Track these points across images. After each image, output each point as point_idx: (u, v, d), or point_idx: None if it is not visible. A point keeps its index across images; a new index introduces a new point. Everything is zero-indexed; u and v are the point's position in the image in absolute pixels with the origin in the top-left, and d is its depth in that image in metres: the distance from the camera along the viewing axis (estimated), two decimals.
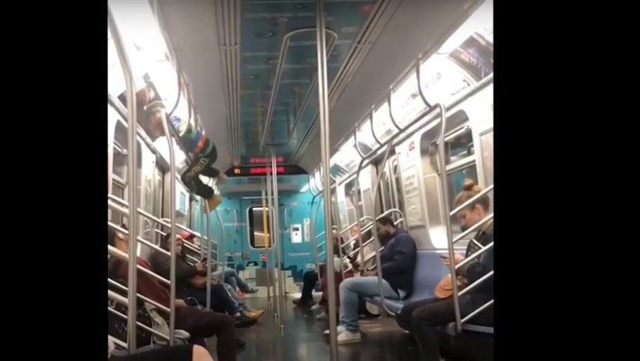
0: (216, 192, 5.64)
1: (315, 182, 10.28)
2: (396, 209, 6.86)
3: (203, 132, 4.88)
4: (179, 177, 5.29)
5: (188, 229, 7.62)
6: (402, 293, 5.65)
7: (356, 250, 7.08)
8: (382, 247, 5.99)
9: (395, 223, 6.53)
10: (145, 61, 3.85)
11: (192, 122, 4.60)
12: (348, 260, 7.17)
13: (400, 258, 5.77)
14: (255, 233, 12.80)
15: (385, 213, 6.83)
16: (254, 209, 12.71)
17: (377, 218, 6.02)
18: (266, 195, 8.64)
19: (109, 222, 3.69)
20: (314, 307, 8.89)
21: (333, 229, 8.11)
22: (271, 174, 7.41)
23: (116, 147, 4.13)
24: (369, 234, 6.66)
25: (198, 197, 6.37)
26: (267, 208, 9.32)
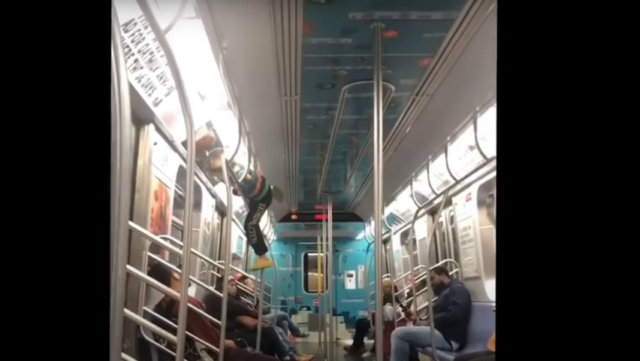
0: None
1: (370, 229, 10.28)
2: (452, 259, 6.75)
3: (260, 175, 4.99)
4: (236, 220, 5.38)
5: (241, 271, 7.71)
6: (455, 345, 5.52)
7: (410, 298, 6.98)
8: (436, 297, 5.89)
9: (450, 274, 6.42)
10: (208, 109, 3.99)
11: (252, 168, 4.71)
12: (401, 309, 7.06)
13: (454, 309, 5.65)
14: (309, 278, 12.84)
15: (440, 263, 6.73)
16: (309, 254, 12.84)
17: (432, 268, 5.94)
18: (321, 241, 8.70)
19: (166, 262, 3.80)
20: (365, 354, 8.75)
21: (387, 277, 8.05)
22: (327, 220, 7.48)
23: (178, 190, 4.26)
24: (423, 283, 6.57)
25: None
26: (322, 254, 9.36)
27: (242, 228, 8.42)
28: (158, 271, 3.68)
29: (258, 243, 5.17)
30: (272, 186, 5.06)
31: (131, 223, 2.95)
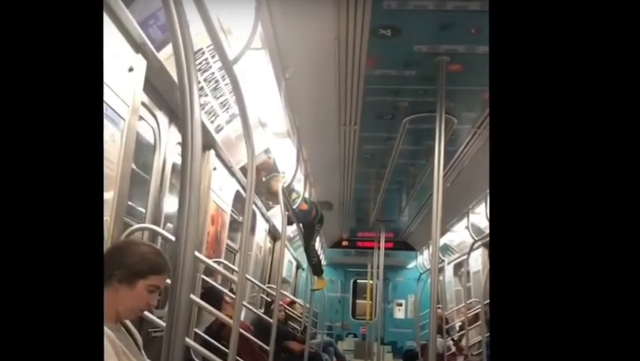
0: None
1: (422, 259, 10.18)
2: None
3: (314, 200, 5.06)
4: (287, 244, 5.43)
5: (291, 296, 7.73)
6: None
7: (461, 332, 6.84)
8: (489, 333, 5.75)
9: None
10: (268, 136, 4.08)
11: (307, 196, 4.75)
12: (452, 342, 6.92)
13: None
14: (357, 305, 12.78)
15: None
16: (358, 281, 12.80)
17: (486, 302, 5.81)
18: (372, 268, 8.69)
19: (219, 285, 3.85)
20: None
21: (439, 308, 7.91)
22: (379, 248, 7.45)
23: (233, 215, 4.33)
24: (476, 317, 6.43)
25: (305, 266, 6.53)
26: (371, 281, 9.33)
27: (292, 252, 8.49)
28: (211, 294, 3.74)
29: (317, 262, 5.27)
30: (319, 202, 5.12)
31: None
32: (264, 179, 4.35)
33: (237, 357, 3.62)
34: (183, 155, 1.40)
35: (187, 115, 1.47)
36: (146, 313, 2.42)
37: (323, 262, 9.98)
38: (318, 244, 8.03)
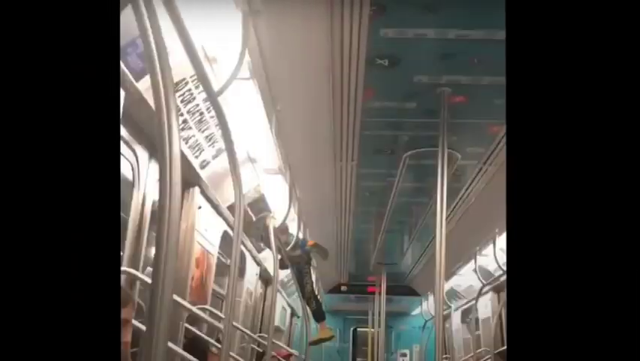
0: None
1: (427, 305, 10.01)
2: None
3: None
4: (281, 290, 5.31)
5: (285, 346, 7.49)
6: None
7: None
8: None
9: None
10: (259, 173, 3.99)
11: (301, 236, 4.68)
12: None
13: None
14: (358, 356, 12.62)
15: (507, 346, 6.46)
16: (358, 330, 12.64)
17: (497, 351, 5.72)
18: (373, 315, 8.59)
19: (204, 335, 3.75)
20: None
21: (446, 358, 7.79)
22: (380, 293, 7.38)
23: (220, 258, 4.28)
24: None
25: (300, 313, 6.41)
26: (372, 330, 9.21)
27: (286, 297, 8.28)
28: (195, 345, 3.63)
29: (318, 308, 5.15)
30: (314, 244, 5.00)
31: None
32: (254, 219, 4.29)
33: None
34: (161, 190, 1.39)
35: (165, 146, 1.45)
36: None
37: None
38: (315, 287, 7.90)
